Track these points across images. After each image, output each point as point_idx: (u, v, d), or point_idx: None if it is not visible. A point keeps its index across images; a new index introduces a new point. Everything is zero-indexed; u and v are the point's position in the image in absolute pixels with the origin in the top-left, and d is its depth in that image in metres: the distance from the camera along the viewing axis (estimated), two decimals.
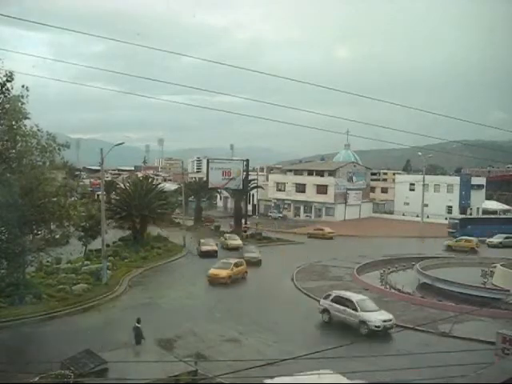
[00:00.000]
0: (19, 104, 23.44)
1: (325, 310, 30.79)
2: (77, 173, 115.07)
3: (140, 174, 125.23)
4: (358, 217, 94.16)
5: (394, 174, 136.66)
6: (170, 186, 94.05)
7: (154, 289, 39.80)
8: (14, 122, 23.26)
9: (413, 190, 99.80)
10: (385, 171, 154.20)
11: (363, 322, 28.52)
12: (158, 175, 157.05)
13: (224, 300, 36.32)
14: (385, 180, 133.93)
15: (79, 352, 22.55)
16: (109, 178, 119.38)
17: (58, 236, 32.58)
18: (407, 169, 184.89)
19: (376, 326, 28.05)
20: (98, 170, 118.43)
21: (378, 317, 28.65)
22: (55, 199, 30.18)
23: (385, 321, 28.39)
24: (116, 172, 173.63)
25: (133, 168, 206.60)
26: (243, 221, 76.14)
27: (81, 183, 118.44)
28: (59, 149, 26.38)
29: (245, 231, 70.72)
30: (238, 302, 36.31)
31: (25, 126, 24.17)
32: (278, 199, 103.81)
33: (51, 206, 29.14)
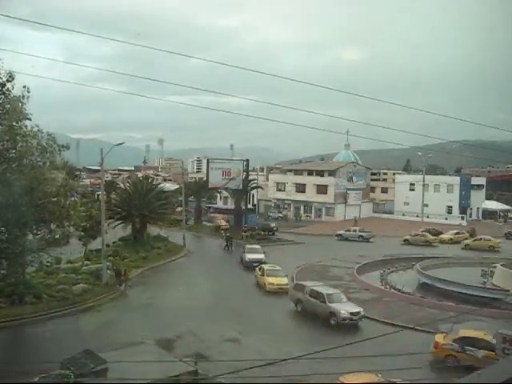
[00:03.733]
0: (20, 104, 23.44)
1: (298, 301, 32.86)
2: (77, 173, 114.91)
3: (140, 174, 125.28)
4: (358, 217, 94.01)
5: (394, 173, 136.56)
6: (170, 186, 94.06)
7: (153, 289, 39.78)
8: (14, 123, 23.23)
9: (413, 189, 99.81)
10: (385, 171, 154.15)
11: (332, 313, 30.08)
12: (158, 175, 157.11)
13: (224, 300, 36.26)
14: (385, 180, 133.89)
15: (79, 352, 22.51)
16: (109, 178, 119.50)
17: (57, 236, 32.56)
18: (407, 169, 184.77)
19: (343, 318, 29.60)
20: (98, 170, 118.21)
21: (346, 308, 30.13)
22: (55, 199, 30.16)
23: (353, 313, 29.80)
24: (116, 172, 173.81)
25: (133, 168, 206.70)
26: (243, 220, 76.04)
27: (81, 183, 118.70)
28: (59, 149, 26.33)
29: (244, 231, 70.72)
30: (238, 302, 36.30)
31: (25, 126, 24.17)
32: (278, 199, 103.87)
33: (51, 206, 29.11)
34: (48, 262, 40.61)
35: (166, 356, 23.48)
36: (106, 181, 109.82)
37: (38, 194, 25.79)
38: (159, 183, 69.39)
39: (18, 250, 30.29)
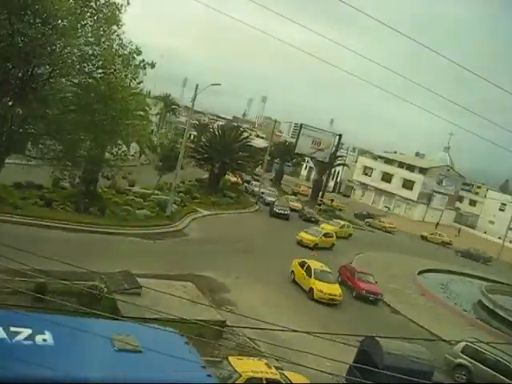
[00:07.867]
0: (117, 12, 23.39)
1: None
2: (174, 106, 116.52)
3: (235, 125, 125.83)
4: (438, 221, 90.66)
5: (487, 189, 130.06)
6: (259, 143, 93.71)
7: (212, 235, 39.68)
8: (103, 25, 23.12)
9: (502, 210, 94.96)
10: (479, 184, 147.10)
11: None
12: (253, 130, 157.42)
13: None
14: (476, 193, 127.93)
15: (120, 271, 22.89)
16: (205, 122, 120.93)
17: (123, 153, 32.70)
18: (504, 188, 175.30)
19: None
20: (198, 112, 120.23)
21: None
22: (129, 122, 30.36)
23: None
24: (214, 118, 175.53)
25: (231, 118, 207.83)
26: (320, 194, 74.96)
27: (176, 119, 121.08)
28: (144, 66, 25.86)
29: (319, 204, 69.89)
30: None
31: (113, 32, 23.89)
32: (361, 182, 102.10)
33: (124, 121, 28.86)
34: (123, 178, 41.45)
35: (202, 299, 23.38)
36: (200, 123, 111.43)
37: (114, 104, 25.64)
38: (248, 136, 68.69)
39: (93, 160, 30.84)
